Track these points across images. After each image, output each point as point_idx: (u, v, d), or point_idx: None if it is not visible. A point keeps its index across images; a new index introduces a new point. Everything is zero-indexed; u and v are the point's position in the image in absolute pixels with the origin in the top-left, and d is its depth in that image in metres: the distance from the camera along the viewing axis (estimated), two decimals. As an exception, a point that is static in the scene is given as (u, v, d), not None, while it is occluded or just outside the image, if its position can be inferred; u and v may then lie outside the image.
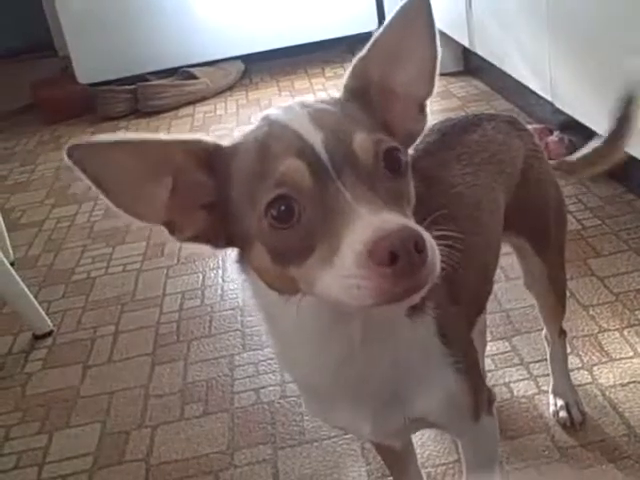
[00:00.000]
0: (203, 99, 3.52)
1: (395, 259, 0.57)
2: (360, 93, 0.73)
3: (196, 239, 0.71)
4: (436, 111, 2.72)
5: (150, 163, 0.67)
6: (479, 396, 0.91)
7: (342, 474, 1.31)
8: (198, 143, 0.69)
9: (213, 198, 0.69)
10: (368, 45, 0.74)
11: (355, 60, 0.74)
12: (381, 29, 0.73)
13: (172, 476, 1.38)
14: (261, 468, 1.35)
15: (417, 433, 1.26)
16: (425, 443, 1.32)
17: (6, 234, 2.24)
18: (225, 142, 0.70)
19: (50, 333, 1.87)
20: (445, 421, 0.90)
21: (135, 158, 0.66)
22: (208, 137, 0.70)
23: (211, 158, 0.69)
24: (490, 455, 1.01)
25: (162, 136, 0.69)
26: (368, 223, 0.59)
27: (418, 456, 1.22)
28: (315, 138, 0.64)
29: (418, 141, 0.99)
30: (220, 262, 2.05)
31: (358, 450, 1.34)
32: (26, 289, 1.86)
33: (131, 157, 0.66)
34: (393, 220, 0.60)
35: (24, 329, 1.90)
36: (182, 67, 3.58)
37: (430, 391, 0.84)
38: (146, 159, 0.67)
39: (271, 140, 0.66)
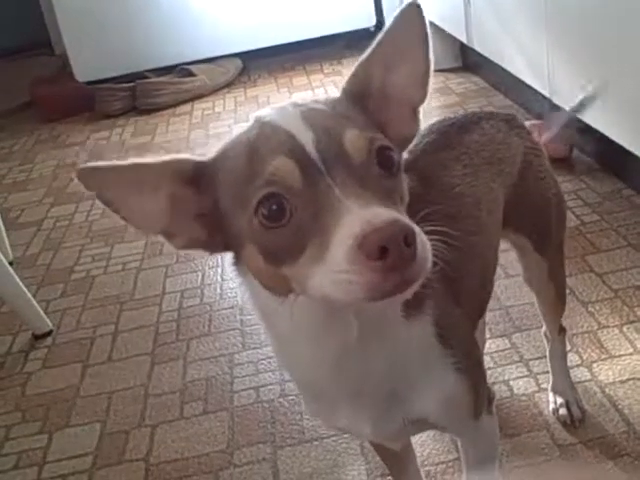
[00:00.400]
0: (201, 96, 3.51)
1: (385, 253, 0.57)
2: (359, 96, 0.74)
3: (193, 246, 0.73)
4: (435, 107, 2.71)
5: (141, 185, 0.70)
6: (479, 396, 0.91)
7: (342, 473, 1.31)
8: (180, 163, 0.71)
9: (204, 209, 0.70)
10: (370, 50, 0.74)
11: (357, 63, 0.75)
12: (381, 34, 0.74)
13: (172, 475, 1.38)
14: (261, 467, 1.35)
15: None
16: (425, 442, 1.32)
17: (4, 233, 2.23)
18: (210, 154, 0.71)
19: (49, 333, 1.86)
20: (445, 422, 0.90)
21: (128, 181, 0.70)
22: (190, 155, 0.72)
23: (195, 175, 0.70)
24: (490, 453, 1.01)
25: (149, 160, 0.71)
26: (358, 217, 0.59)
27: (418, 455, 1.22)
28: (306, 137, 0.65)
29: (417, 141, 1.00)
30: (219, 261, 2.04)
31: (358, 449, 1.34)
32: (25, 289, 1.86)
33: (124, 181, 0.70)
34: (383, 214, 0.60)
35: (23, 329, 1.90)
36: (180, 65, 3.57)
37: (429, 391, 0.83)
38: (137, 182, 0.70)
39: (261, 140, 0.67)
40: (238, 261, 0.73)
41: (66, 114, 3.54)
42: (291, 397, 1.49)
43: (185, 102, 3.47)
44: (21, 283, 1.85)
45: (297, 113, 0.68)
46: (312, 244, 0.62)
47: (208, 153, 0.71)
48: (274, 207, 0.63)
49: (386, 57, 0.74)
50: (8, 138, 3.44)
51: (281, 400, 1.50)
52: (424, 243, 0.60)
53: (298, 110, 0.68)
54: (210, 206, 0.70)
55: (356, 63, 0.75)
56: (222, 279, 1.97)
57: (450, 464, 1.27)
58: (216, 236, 0.71)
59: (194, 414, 1.51)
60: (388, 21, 0.75)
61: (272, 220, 0.63)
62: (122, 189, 0.70)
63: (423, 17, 0.74)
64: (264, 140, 0.66)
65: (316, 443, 1.38)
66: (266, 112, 0.71)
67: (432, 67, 0.76)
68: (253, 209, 0.64)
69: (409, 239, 0.58)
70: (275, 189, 0.63)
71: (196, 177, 0.70)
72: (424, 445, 1.31)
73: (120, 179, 0.70)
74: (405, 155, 0.76)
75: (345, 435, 1.36)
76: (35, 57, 4.52)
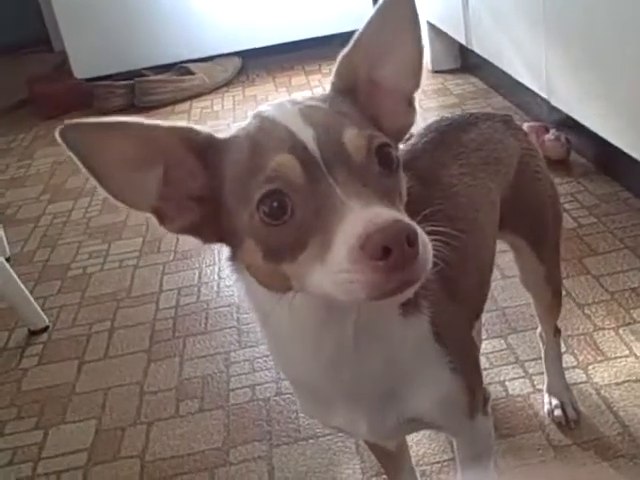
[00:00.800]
0: (200, 95, 3.51)
1: (387, 253, 0.57)
2: (348, 90, 0.73)
3: (185, 230, 0.71)
4: (433, 108, 2.72)
5: (143, 147, 0.67)
6: (475, 396, 0.91)
7: (337, 471, 1.31)
8: (192, 131, 0.69)
9: (204, 190, 0.69)
10: (352, 41, 0.73)
11: (340, 57, 0.74)
12: (364, 24, 0.73)
13: (167, 473, 1.38)
14: (256, 465, 1.35)
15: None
16: (420, 441, 1.32)
17: (2, 230, 2.23)
18: (219, 135, 0.69)
19: (46, 329, 1.86)
20: (441, 421, 0.90)
21: (128, 140, 0.66)
22: (203, 127, 0.69)
23: (204, 148, 0.68)
24: (485, 453, 1.01)
25: (157, 121, 0.68)
26: (360, 217, 0.59)
27: (413, 454, 1.22)
28: (306, 134, 0.64)
29: (415, 140, 1.00)
30: (216, 259, 2.04)
31: (353, 447, 1.35)
32: (22, 285, 1.85)
33: (124, 139, 0.66)
34: (385, 214, 0.60)
35: (20, 325, 1.90)
36: (179, 63, 3.57)
37: (425, 390, 0.84)
38: (139, 142, 0.66)
39: (262, 136, 0.66)
40: (235, 257, 0.72)
41: (64, 111, 3.53)
42: (287, 395, 1.49)
43: (184, 100, 3.46)
44: (18, 279, 1.85)
45: (296, 110, 0.67)
46: (313, 242, 0.62)
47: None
48: (275, 204, 0.63)
49: (371, 47, 0.73)
50: (6, 134, 3.44)
51: (277, 398, 1.50)
52: (425, 243, 0.60)
53: (297, 107, 0.68)
54: (211, 187, 0.68)
55: (339, 57, 0.74)
56: (219, 277, 1.97)
57: (445, 464, 1.27)
58: (211, 222, 0.69)
59: (190, 412, 1.51)
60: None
61: (273, 217, 0.63)
62: (119, 149, 0.65)
63: (412, 2, 0.73)
64: (265, 136, 0.66)
65: (312, 441, 1.38)
66: (265, 108, 0.70)
67: (424, 53, 0.76)
68: (255, 205, 0.63)
69: (411, 239, 0.58)
70: (277, 185, 0.63)
71: (205, 150, 0.68)
72: (419, 444, 1.31)
73: (120, 137, 0.65)
74: (402, 149, 0.76)
75: (340, 434, 1.36)
76: (34, 54, 4.51)
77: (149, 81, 3.45)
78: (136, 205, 0.69)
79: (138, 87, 3.43)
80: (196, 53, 3.57)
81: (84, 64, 3.52)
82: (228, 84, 3.62)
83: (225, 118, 3.19)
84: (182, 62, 3.56)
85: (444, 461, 1.28)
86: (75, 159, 0.64)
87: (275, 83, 3.54)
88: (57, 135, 0.63)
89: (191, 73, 3.52)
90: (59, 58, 4.00)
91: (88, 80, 3.52)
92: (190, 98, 3.48)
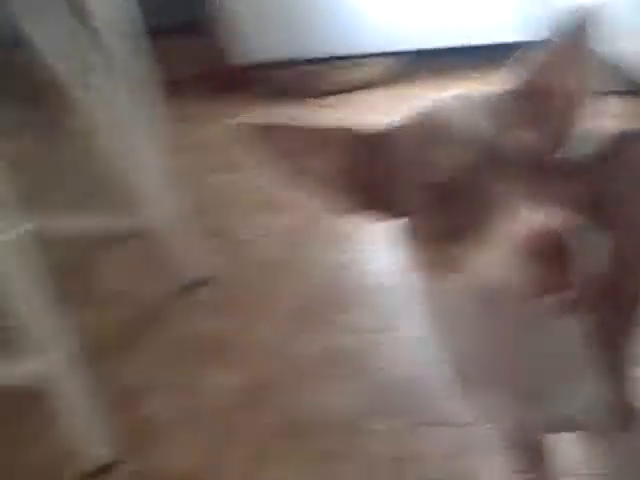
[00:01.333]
0: (365, 88, 3.56)
1: (549, 255, 0.59)
2: (528, 93, 0.74)
3: (360, 211, 0.75)
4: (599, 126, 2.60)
5: (311, 146, 0.72)
6: (627, 405, 0.90)
7: (475, 464, 1.31)
8: (353, 131, 0.74)
9: (373, 179, 0.73)
10: (544, 50, 0.75)
11: (532, 59, 0.76)
12: (551, 41, 0.75)
13: (311, 433, 1.43)
14: (392, 441, 1.39)
15: (558, 439, 1.22)
16: (567, 450, 1.28)
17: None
18: (382, 127, 0.74)
19: (206, 282, 1.98)
20: (589, 425, 0.89)
21: (299, 140, 0.72)
22: (364, 124, 0.75)
23: (371, 141, 0.73)
24: (636, 471, 0.98)
25: (320, 123, 0.75)
26: (528, 218, 0.60)
27: (559, 463, 1.19)
28: (478, 129, 0.66)
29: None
30: (374, 239, 2.05)
31: (495, 442, 1.33)
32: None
33: (295, 140, 0.72)
34: (552, 218, 0.61)
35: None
36: (342, 56, 3.64)
37: (576, 392, 0.83)
38: (307, 142, 0.73)
39: (432, 127, 0.69)
40: (402, 235, 0.74)
41: (229, 91, 3.66)
42: (434, 378, 1.49)
43: (350, 91, 3.52)
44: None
45: (469, 104, 0.70)
46: (477, 233, 0.64)
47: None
48: (444, 190, 0.66)
49: (559, 60, 0.74)
50: (172, 109, 3.61)
51: (424, 379, 1.51)
52: (590, 247, 0.61)
53: (470, 101, 0.71)
54: (383, 173, 0.72)
55: (530, 58, 0.75)
56: (372, 258, 2.01)
57: (592, 477, 1.23)
58: (383, 205, 0.73)
59: (335, 377, 1.58)
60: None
61: (441, 203, 0.66)
62: (295, 149, 0.72)
63: (590, 26, 0.74)
64: (435, 127, 0.69)
65: (454, 429, 1.39)
66: (435, 101, 0.74)
67: (594, 71, 0.76)
68: (424, 189, 0.67)
69: (574, 243, 0.60)
70: (447, 174, 0.65)
71: (367, 144, 0.73)
72: (566, 454, 1.26)
73: (290, 137, 0.72)
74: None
75: (485, 425, 1.35)
76: (197, 36, 4.72)
77: (312, 70, 3.55)
78: (320, 196, 0.75)
79: (304, 75, 3.54)
80: (364, 48, 3.63)
81: (251, 47, 3.64)
82: (392, 82, 3.66)
83: (388, 114, 3.21)
84: (346, 55, 3.61)
85: (591, 474, 1.23)
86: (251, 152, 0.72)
87: (438, 85, 3.53)
88: (234, 130, 0.71)
89: (364, 66, 3.59)
90: (223, 41, 4.17)
91: (253, 64, 3.64)
92: (356, 89, 3.54)
